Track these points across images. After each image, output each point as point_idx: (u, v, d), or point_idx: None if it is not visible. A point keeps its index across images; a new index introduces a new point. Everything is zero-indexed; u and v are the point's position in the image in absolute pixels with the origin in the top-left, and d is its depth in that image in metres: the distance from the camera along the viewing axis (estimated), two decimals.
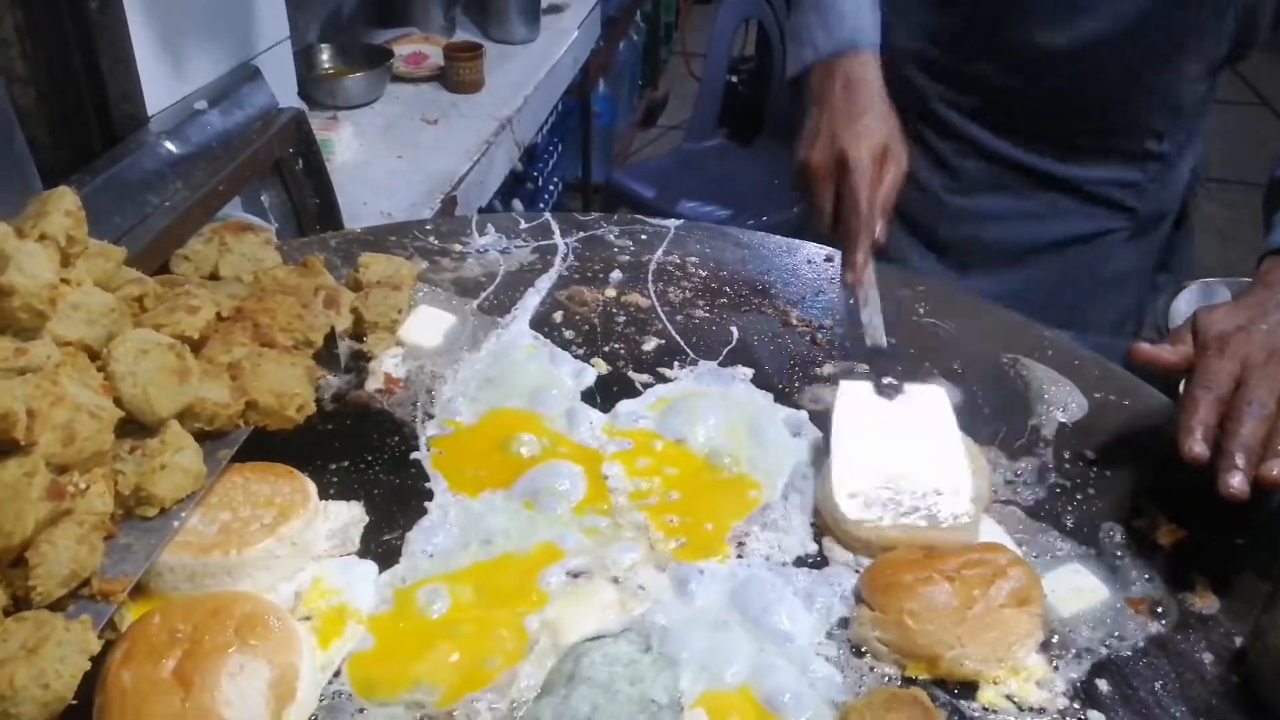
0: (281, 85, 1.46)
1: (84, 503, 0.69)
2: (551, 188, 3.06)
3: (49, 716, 0.62)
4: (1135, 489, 0.91)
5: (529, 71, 2.49)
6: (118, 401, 0.74)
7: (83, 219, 0.79)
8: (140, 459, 0.74)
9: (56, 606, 0.68)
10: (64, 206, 0.78)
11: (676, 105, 4.43)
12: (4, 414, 0.62)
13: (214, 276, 1.05)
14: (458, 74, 2.28)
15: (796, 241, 1.28)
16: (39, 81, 1.12)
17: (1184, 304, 1.35)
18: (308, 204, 1.47)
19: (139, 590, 0.74)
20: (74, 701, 0.65)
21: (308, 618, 0.76)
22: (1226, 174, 4.34)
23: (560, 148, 3.11)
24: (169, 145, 1.19)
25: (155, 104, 1.23)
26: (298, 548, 0.78)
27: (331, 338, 0.98)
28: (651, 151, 4.12)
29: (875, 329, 1.01)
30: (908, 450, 0.89)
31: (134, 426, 0.76)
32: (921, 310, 1.14)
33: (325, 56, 2.24)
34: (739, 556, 0.83)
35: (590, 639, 0.75)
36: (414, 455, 0.92)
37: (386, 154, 2.03)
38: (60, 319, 0.76)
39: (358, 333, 1.04)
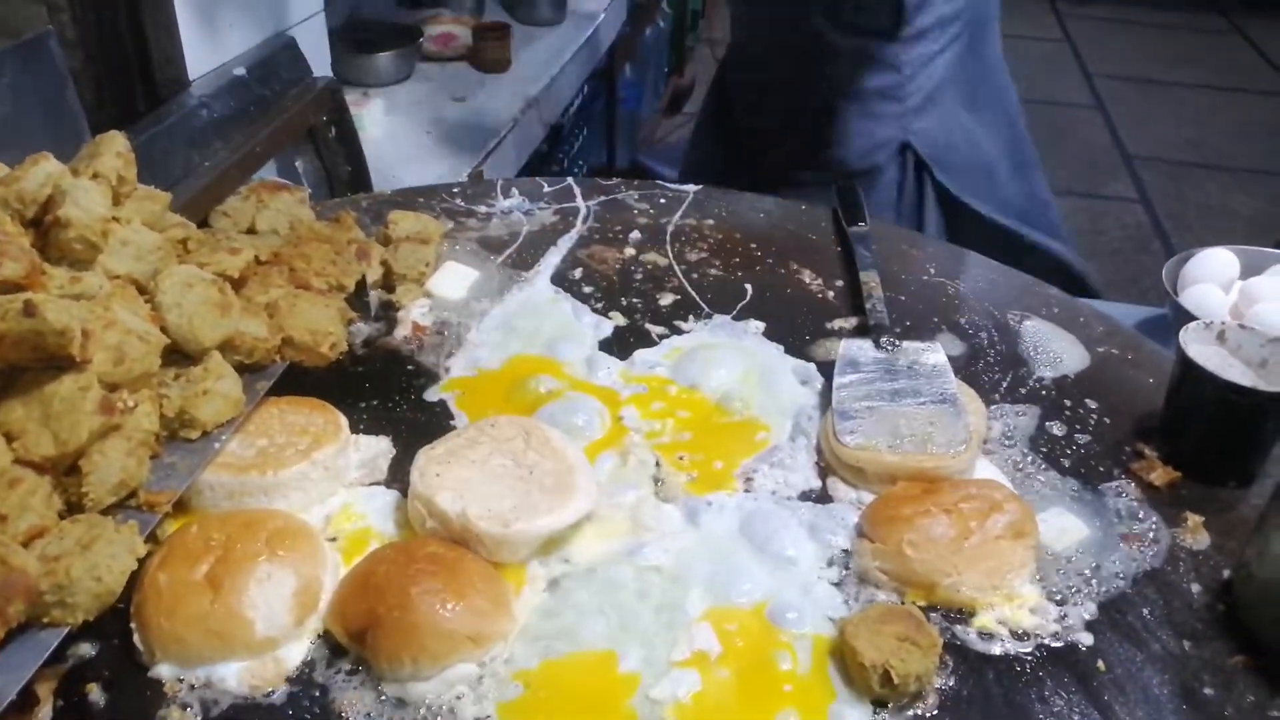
0: (316, 56, 1.51)
1: (132, 420, 0.74)
2: (576, 170, 3.10)
3: (100, 609, 0.67)
4: (1132, 435, 0.94)
5: (555, 53, 2.53)
6: (164, 331, 0.79)
7: (132, 160, 0.85)
8: (184, 385, 0.79)
9: (105, 515, 0.73)
10: (115, 148, 0.83)
11: (702, 93, 4.45)
12: (62, 330, 0.67)
13: (251, 231, 1.10)
14: (486, 53, 2.33)
15: (811, 206, 1.31)
16: (87, 44, 1.17)
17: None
18: (340, 171, 1.52)
19: (180, 506, 0.79)
20: (119, 605, 0.70)
21: (334, 539, 0.81)
22: (1266, 165, 4.31)
23: (586, 131, 3.15)
24: (209, 108, 1.24)
25: (196, 69, 1.28)
26: (330, 473, 0.83)
27: (363, 286, 1.03)
28: (676, 139, 4.15)
29: (878, 314, 1.05)
30: (905, 393, 0.93)
31: (178, 356, 0.82)
32: (932, 270, 1.17)
33: (357, 35, 2.29)
34: (746, 491, 0.87)
35: (603, 563, 0.79)
36: (439, 396, 0.97)
37: (416, 130, 2.08)
38: (110, 254, 0.81)
39: (387, 284, 1.09)
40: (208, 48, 1.32)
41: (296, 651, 0.72)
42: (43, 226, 0.77)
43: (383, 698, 0.69)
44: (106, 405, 0.71)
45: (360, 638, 0.70)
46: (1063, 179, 4.19)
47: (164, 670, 0.69)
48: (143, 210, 0.86)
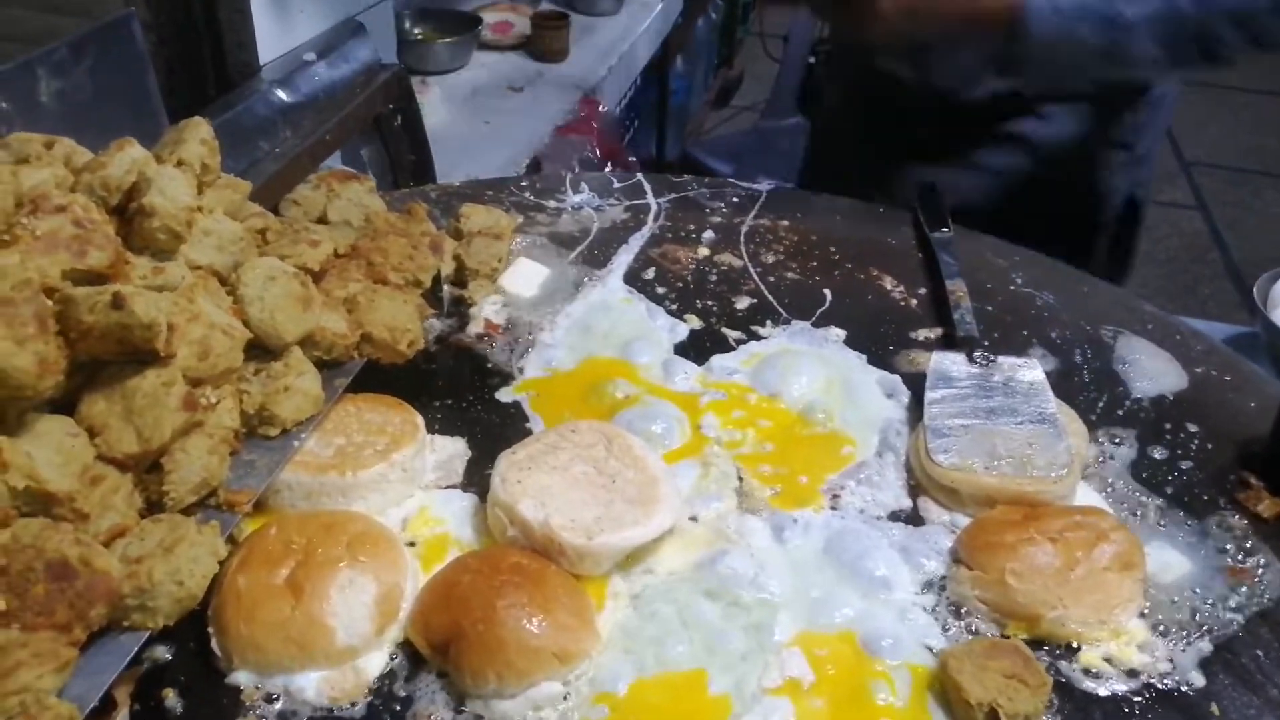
0: (383, 42, 1.49)
1: (214, 417, 0.72)
2: (628, 162, 3.07)
3: (181, 613, 0.65)
4: (1237, 462, 0.89)
5: (612, 43, 2.50)
6: (245, 324, 0.77)
7: (216, 148, 0.82)
8: (265, 381, 0.77)
9: (185, 514, 0.71)
10: (200, 135, 0.81)
11: (750, 86, 4.40)
12: (149, 324, 0.65)
13: (321, 221, 1.08)
14: (543, 43, 2.31)
15: (889, 209, 1.27)
16: (160, 27, 1.16)
17: None
18: (404, 160, 1.49)
19: (257, 506, 0.77)
20: (197, 608, 0.68)
21: (412, 544, 0.79)
22: None
23: (637, 123, 3.12)
24: (279, 93, 1.23)
25: (267, 53, 1.26)
26: (408, 474, 0.81)
27: (436, 281, 1.00)
28: (724, 132, 4.10)
29: (967, 324, 1.01)
30: (1001, 411, 0.89)
31: (258, 351, 0.79)
32: (1019, 280, 1.13)
33: (416, 22, 2.28)
34: (833, 508, 0.84)
35: (687, 578, 0.76)
36: (513, 397, 0.94)
37: (473, 119, 2.06)
38: (192, 244, 0.79)
39: (459, 280, 1.07)
40: (278, 32, 1.30)
41: (377, 662, 0.69)
42: (127, 214, 0.75)
43: (466, 713, 0.66)
44: (190, 401, 0.69)
45: (443, 650, 0.68)
46: None
47: (241, 677, 0.67)
48: (223, 200, 0.84)
